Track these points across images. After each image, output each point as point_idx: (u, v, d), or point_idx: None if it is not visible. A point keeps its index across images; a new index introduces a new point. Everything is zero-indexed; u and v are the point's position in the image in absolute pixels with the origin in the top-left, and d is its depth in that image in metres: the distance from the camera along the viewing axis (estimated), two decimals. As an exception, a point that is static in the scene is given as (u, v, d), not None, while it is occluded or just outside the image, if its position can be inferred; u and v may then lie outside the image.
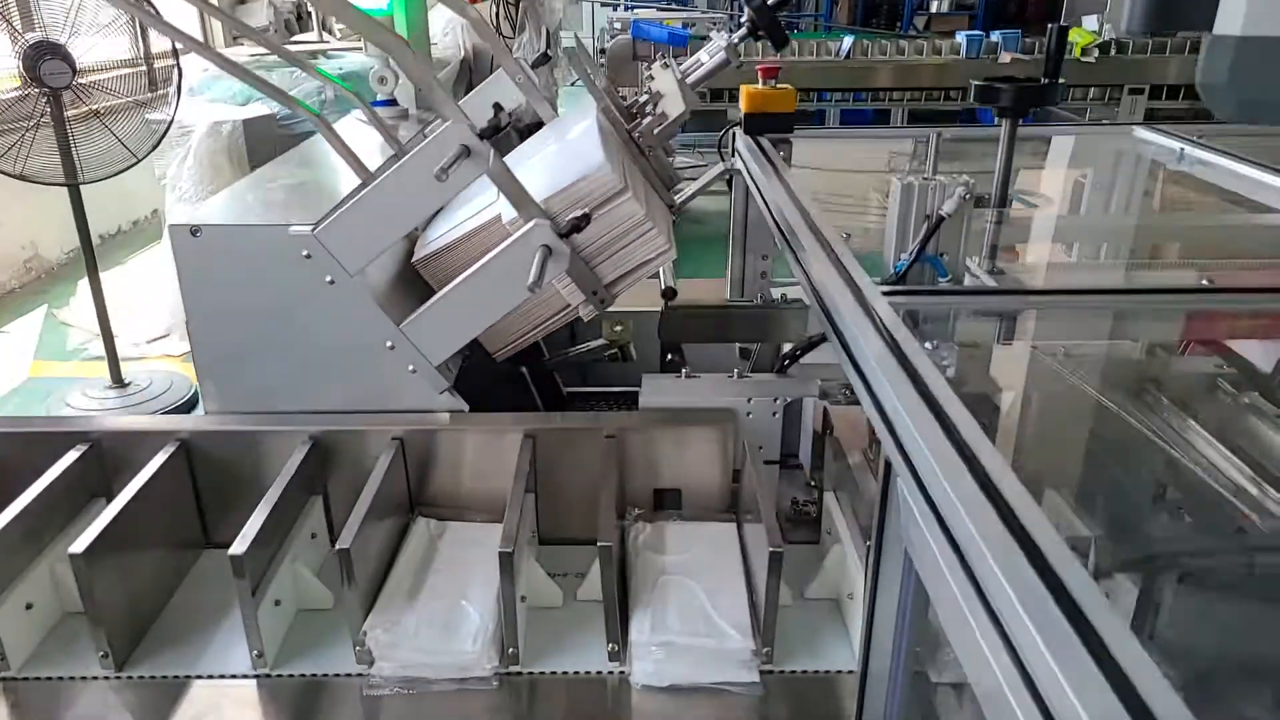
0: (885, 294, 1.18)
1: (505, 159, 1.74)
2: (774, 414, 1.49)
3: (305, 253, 1.31)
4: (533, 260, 1.29)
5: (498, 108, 1.24)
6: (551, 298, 1.50)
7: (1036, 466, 1.20)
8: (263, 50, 4.14)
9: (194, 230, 1.32)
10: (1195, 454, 1.23)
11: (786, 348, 1.97)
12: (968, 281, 1.51)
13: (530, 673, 1.25)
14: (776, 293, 2.13)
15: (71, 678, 1.23)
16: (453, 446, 1.45)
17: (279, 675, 1.24)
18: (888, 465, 0.99)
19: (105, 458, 1.41)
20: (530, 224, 1.33)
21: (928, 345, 1.17)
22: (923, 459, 0.82)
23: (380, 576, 1.32)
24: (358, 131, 1.88)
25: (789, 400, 1.50)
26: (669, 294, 1.72)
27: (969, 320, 1.30)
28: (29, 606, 1.26)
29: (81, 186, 3.28)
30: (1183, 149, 1.95)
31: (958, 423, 0.84)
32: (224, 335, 1.39)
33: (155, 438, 1.39)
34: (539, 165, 1.58)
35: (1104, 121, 4.65)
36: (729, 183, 2.21)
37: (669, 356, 1.82)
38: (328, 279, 1.33)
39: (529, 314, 1.50)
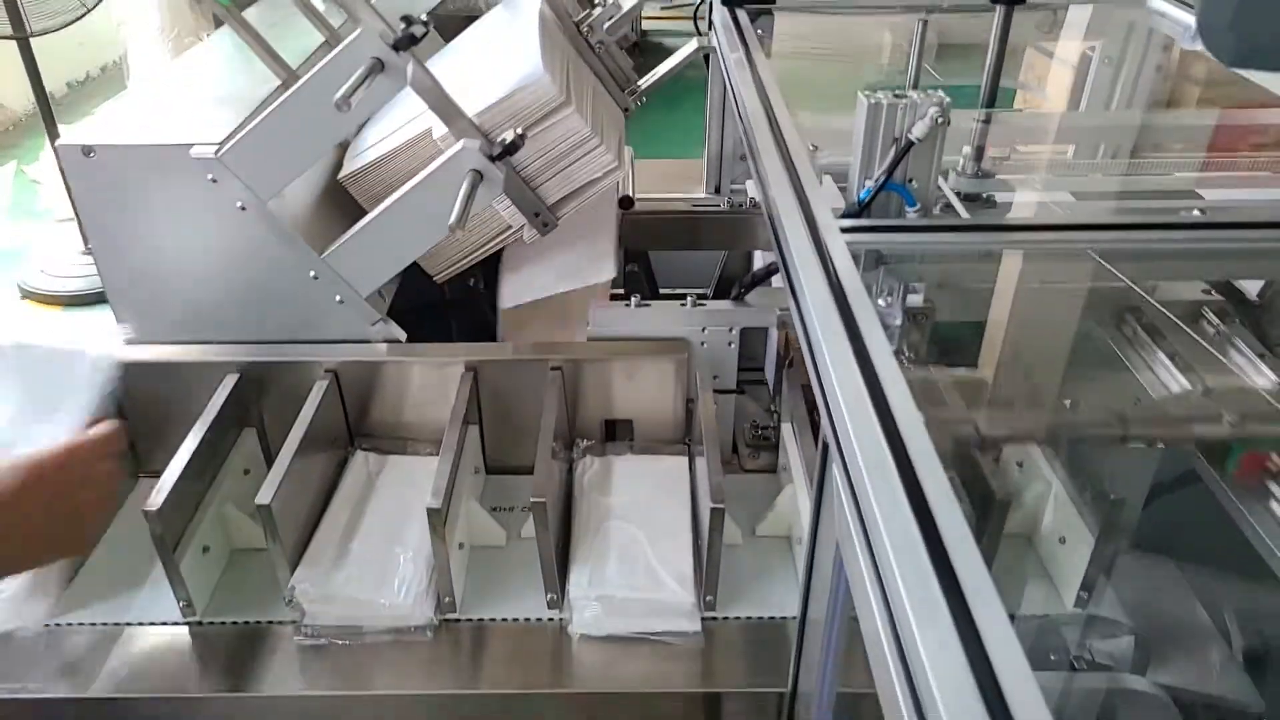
0: (844, 230, 1.06)
1: (440, 54, 1.58)
2: (729, 344, 1.40)
3: (211, 176, 1.19)
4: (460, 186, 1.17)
5: (408, 20, 1.08)
6: (492, 218, 1.38)
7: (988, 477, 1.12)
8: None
9: (86, 150, 1.19)
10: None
11: (759, 259, 1.86)
12: (942, 210, 1.40)
13: (469, 619, 1.21)
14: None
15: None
16: (392, 378, 1.37)
17: (210, 623, 1.21)
18: (824, 447, 0.91)
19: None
20: (458, 145, 1.20)
21: (881, 302, 1.08)
22: (854, 458, 0.74)
23: (313, 520, 1.26)
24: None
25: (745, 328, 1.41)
26: (625, 203, 1.60)
27: (935, 264, 1.19)
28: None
29: (34, 39, 3.09)
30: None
31: (898, 418, 0.75)
32: (132, 263, 1.28)
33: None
34: (473, 69, 1.43)
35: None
36: (706, 60, 2.02)
37: (630, 267, 1.71)
38: (238, 204, 1.21)
39: (469, 235, 1.39)
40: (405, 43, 1.11)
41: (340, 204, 1.40)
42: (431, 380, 1.37)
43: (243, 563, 1.29)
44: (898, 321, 1.03)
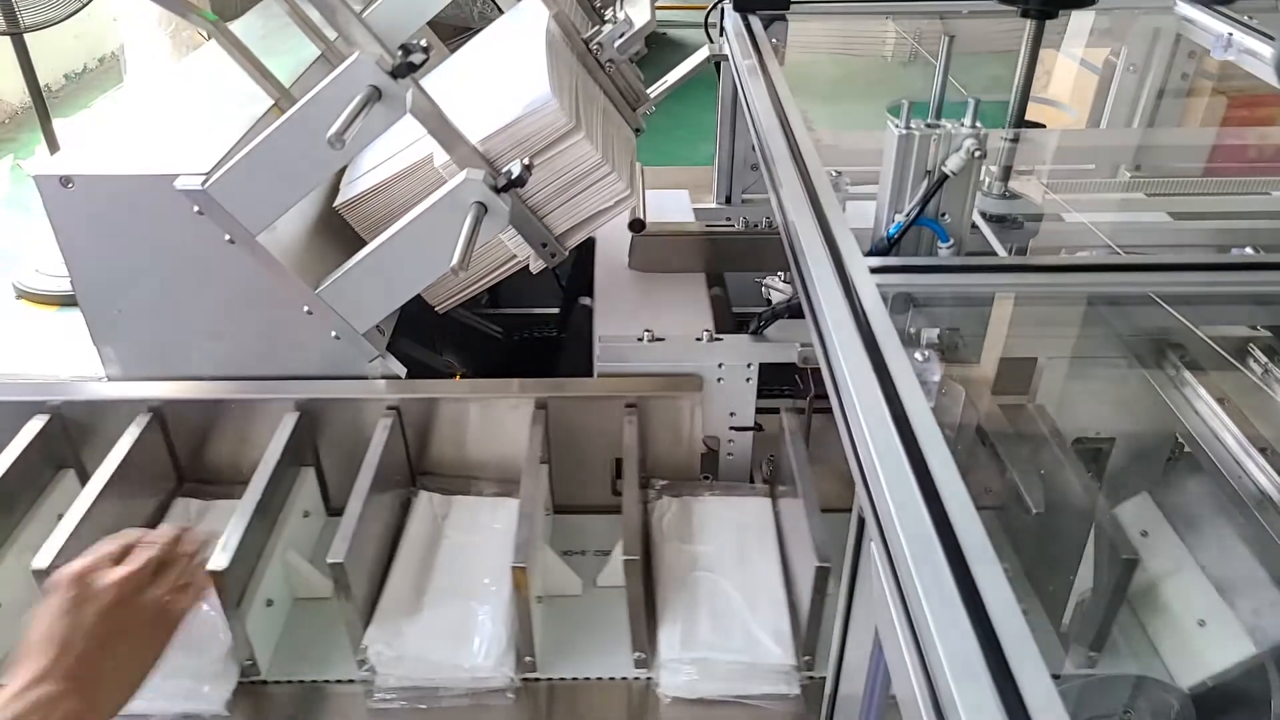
0: (873, 270, 0.99)
1: (438, 71, 1.51)
2: (747, 379, 1.33)
3: (197, 209, 1.12)
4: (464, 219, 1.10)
5: (406, 49, 1.01)
6: (496, 248, 1.31)
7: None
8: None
9: (64, 180, 1.12)
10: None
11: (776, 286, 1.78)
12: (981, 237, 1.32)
13: (549, 679, 1.14)
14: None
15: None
16: (456, 415, 1.31)
17: (276, 682, 1.14)
18: (860, 521, 0.85)
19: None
20: (460, 177, 1.12)
21: (919, 356, 1.00)
22: (895, 539, 0.67)
23: (381, 569, 1.20)
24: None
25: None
26: (636, 226, 1.52)
27: (972, 307, 1.11)
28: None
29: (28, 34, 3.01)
30: (1230, 34, 1.67)
31: (944, 494, 0.68)
32: (115, 297, 1.21)
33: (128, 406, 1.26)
34: (477, 91, 1.35)
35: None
36: (718, 68, 1.94)
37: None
38: (226, 238, 1.14)
39: (472, 266, 1.31)
40: (404, 70, 1.04)
41: (337, 232, 1.33)
42: (497, 417, 1.31)
43: (307, 614, 1.22)
44: (937, 378, 0.96)
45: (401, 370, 1.30)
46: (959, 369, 1.17)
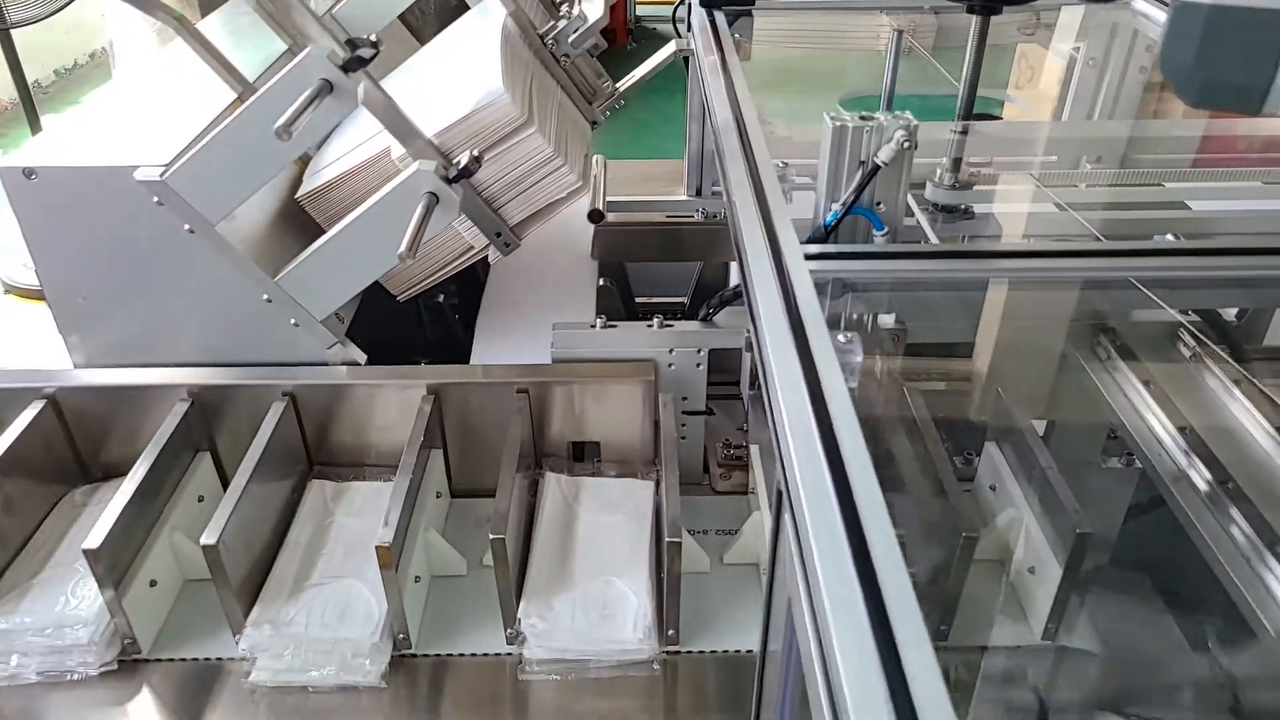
0: (808, 257, 1.03)
1: (403, 68, 1.54)
2: (698, 365, 1.37)
3: (156, 199, 1.16)
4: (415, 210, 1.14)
5: (353, 43, 1.05)
6: (454, 239, 1.35)
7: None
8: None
9: (27, 172, 1.16)
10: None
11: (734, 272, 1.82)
12: (917, 225, 1.36)
13: (427, 655, 1.18)
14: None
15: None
16: (352, 401, 1.34)
17: (157, 660, 1.17)
18: (779, 494, 0.89)
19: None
20: (413, 168, 1.16)
21: (842, 338, 1.04)
22: (802, 515, 0.71)
23: (269, 553, 1.23)
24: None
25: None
26: (596, 216, 1.56)
27: (902, 292, 1.15)
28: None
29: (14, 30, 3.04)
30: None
31: (851, 473, 0.71)
32: (79, 287, 1.25)
33: (22, 394, 1.29)
34: (436, 85, 1.39)
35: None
36: (686, 63, 1.98)
37: (602, 281, 1.67)
38: (186, 227, 1.18)
39: (430, 256, 1.36)
40: (354, 64, 1.07)
41: (300, 223, 1.36)
42: (393, 403, 1.33)
43: (198, 594, 1.25)
44: (858, 358, 0.99)
45: (361, 357, 1.34)
46: (893, 350, 1.21)
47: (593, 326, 1.34)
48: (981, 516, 1.27)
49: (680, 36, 2.00)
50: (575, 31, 1.38)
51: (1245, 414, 1.13)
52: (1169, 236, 1.18)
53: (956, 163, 1.53)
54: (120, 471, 1.24)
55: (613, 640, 1.15)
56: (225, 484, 1.36)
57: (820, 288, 1.12)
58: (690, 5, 1.88)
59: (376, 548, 1.09)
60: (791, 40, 2.09)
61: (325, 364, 1.32)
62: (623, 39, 6.56)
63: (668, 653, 1.18)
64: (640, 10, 6.99)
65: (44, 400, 1.29)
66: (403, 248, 1.05)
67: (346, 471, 1.38)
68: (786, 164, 1.44)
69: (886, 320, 1.19)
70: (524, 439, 1.30)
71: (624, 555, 1.24)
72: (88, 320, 1.28)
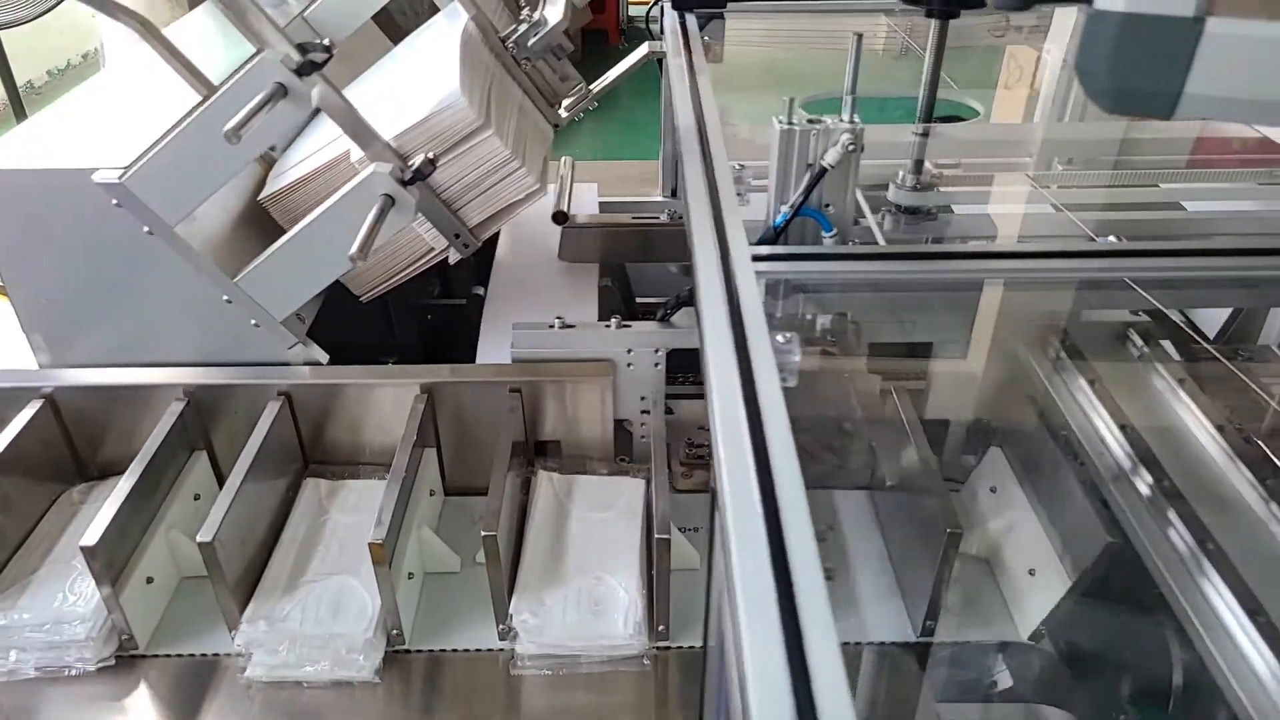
0: (756, 259, 1.05)
1: (370, 72, 1.56)
2: (656, 365, 1.39)
3: (115, 201, 1.18)
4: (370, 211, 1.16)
5: (304, 48, 1.06)
6: (415, 240, 1.37)
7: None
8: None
9: (-11, 175, 1.18)
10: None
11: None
12: (873, 227, 1.38)
13: (421, 651, 1.20)
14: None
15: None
16: (346, 401, 1.36)
17: (154, 656, 1.19)
18: (713, 493, 0.90)
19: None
20: (368, 170, 1.18)
21: (781, 338, 1.06)
22: (724, 500, 0.72)
23: (264, 551, 1.25)
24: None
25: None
26: (560, 218, 1.58)
27: (849, 293, 1.17)
28: None
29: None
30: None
31: (777, 476, 0.73)
32: (42, 288, 1.27)
33: (20, 393, 1.31)
34: (397, 88, 1.40)
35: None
36: (659, 65, 2.00)
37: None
38: (144, 229, 1.20)
39: (392, 257, 1.38)
40: (308, 68, 1.09)
41: (263, 225, 1.38)
42: (387, 402, 1.36)
43: (195, 591, 1.26)
44: (796, 358, 1.01)
45: (323, 357, 1.35)
46: (838, 351, 1.23)
47: (551, 327, 1.36)
48: (968, 518, 1.28)
49: (654, 38, 2.02)
50: (535, 35, 1.40)
51: (1187, 413, 1.15)
52: (1111, 239, 1.20)
53: (918, 164, 1.55)
54: (117, 470, 1.25)
55: (604, 636, 1.16)
56: (221, 482, 1.38)
57: (768, 288, 1.14)
58: (663, 7, 1.90)
59: (370, 544, 1.11)
60: (765, 42, 2.11)
61: (286, 364, 1.34)
62: (615, 39, 6.59)
63: (658, 648, 1.19)
64: (633, 10, 7.02)
65: (42, 400, 1.31)
66: (354, 249, 1.07)
67: (341, 470, 1.40)
68: (743, 166, 1.46)
69: (836, 321, 1.21)
70: (516, 437, 1.32)
71: (615, 552, 1.25)
72: (50, 320, 1.30)
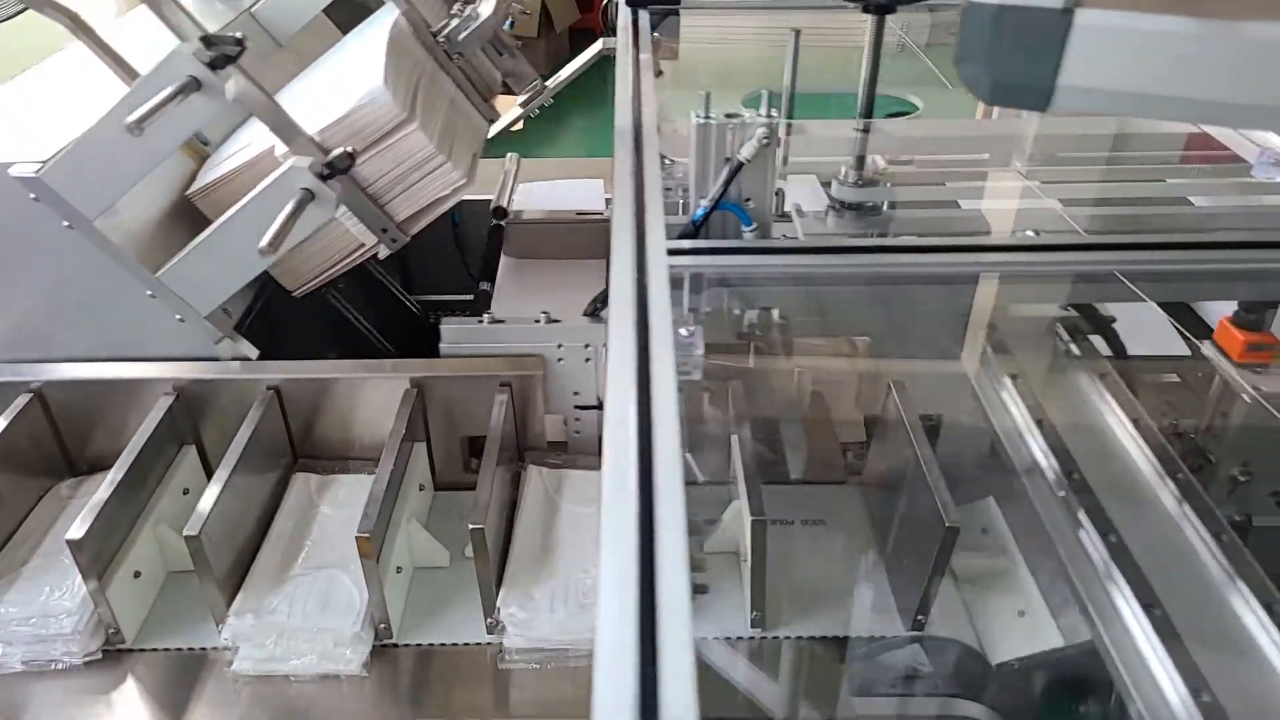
0: (671, 252, 1.05)
1: (310, 68, 1.56)
2: (587, 360, 1.38)
3: (33, 195, 1.17)
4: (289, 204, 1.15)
5: (207, 40, 1.06)
6: (344, 235, 1.36)
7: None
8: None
9: (-94, 168, 1.18)
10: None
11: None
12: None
13: (409, 645, 1.20)
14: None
15: None
16: (335, 396, 1.37)
17: (141, 650, 1.19)
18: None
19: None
20: (287, 164, 1.18)
21: (682, 333, 1.06)
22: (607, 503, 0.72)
23: (252, 544, 1.26)
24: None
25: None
26: (499, 213, 1.58)
27: (763, 287, 1.17)
28: None
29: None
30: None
31: (656, 458, 0.73)
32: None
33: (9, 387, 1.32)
34: (327, 82, 1.40)
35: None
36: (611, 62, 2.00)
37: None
38: (64, 223, 1.20)
39: (322, 252, 1.37)
40: (221, 61, 1.09)
41: (195, 220, 1.38)
42: (377, 397, 1.36)
43: (184, 586, 1.26)
44: (699, 351, 1.01)
45: (253, 352, 1.35)
46: (755, 344, 1.23)
47: (480, 322, 1.36)
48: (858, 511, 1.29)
49: (609, 35, 2.02)
50: (466, 30, 1.40)
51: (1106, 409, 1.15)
52: (1029, 233, 1.20)
53: (860, 160, 1.55)
54: (107, 465, 1.25)
55: (592, 630, 1.16)
56: (211, 477, 1.37)
57: (679, 282, 1.14)
58: (617, 5, 1.90)
59: (357, 538, 1.11)
60: (720, 39, 2.11)
61: (216, 359, 1.34)
62: (601, 34, 6.56)
63: None
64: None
65: (30, 394, 1.31)
66: (264, 243, 1.07)
67: (331, 465, 1.41)
68: (674, 161, 1.46)
69: (753, 315, 1.21)
70: (505, 432, 1.32)
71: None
72: (-26, 314, 1.30)
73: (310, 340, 1.53)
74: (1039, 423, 1.13)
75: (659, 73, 1.89)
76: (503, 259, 1.72)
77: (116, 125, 1.14)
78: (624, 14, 1.87)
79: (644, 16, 1.87)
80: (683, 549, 0.64)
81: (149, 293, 1.26)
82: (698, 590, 1.23)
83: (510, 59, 1.83)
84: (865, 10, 1.52)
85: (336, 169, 1.16)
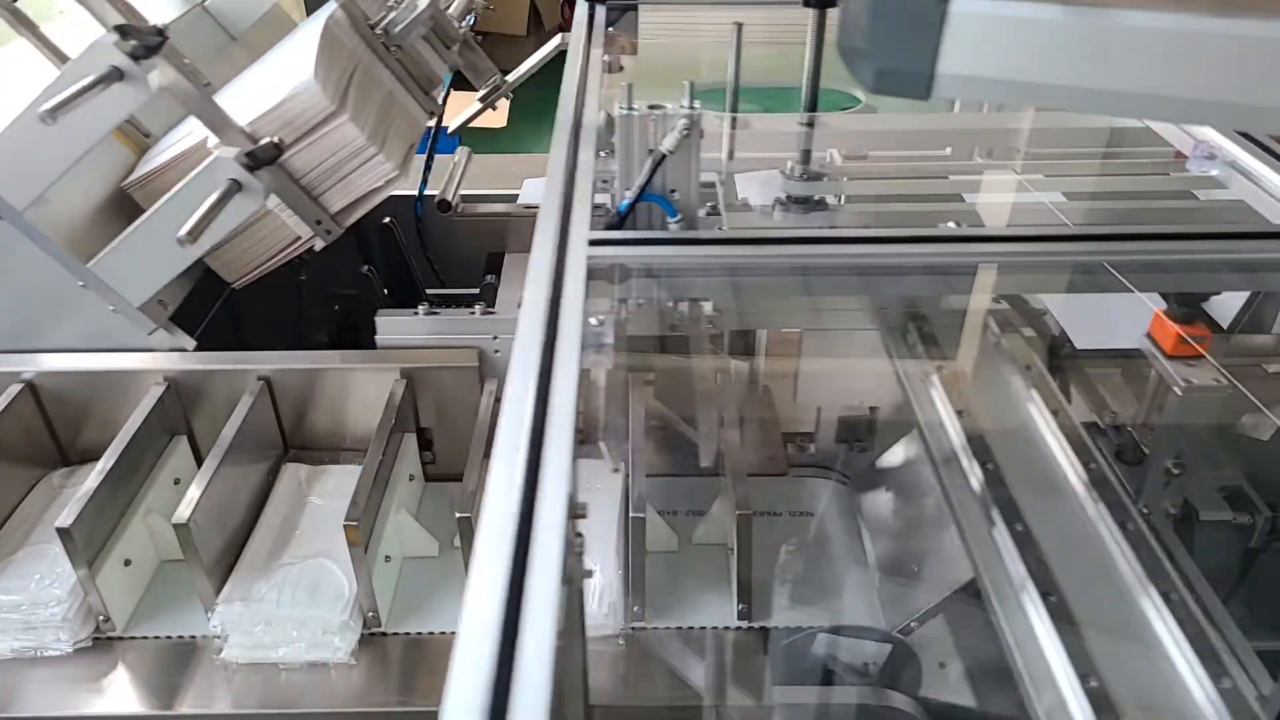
0: (593, 243, 1.05)
1: (261, 59, 1.57)
2: (524, 352, 1.39)
3: (-39, 186, 1.18)
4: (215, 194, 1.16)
5: (123, 30, 1.07)
6: (280, 227, 1.37)
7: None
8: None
9: None
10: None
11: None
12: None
13: (397, 633, 1.21)
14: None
15: None
16: (326, 386, 1.37)
17: (131, 638, 1.20)
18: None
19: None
20: (214, 155, 1.18)
21: (593, 322, 1.06)
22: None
23: (242, 535, 1.26)
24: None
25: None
26: (443, 207, 1.58)
27: (683, 278, 1.17)
28: None
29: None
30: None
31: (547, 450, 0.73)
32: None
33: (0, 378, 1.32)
34: (268, 75, 1.41)
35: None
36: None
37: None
38: (-6, 214, 1.20)
39: (259, 244, 1.38)
40: (142, 52, 1.09)
41: (132, 212, 1.38)
42: (368, 388, 1.36)
43: (174, 575, 1.27)
44: (609, 340, 1.02)
45: (190, 343, 1.36)
46: (677, 334, 1.23)
47: (415, 313, 1.36)
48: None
49: (565, 33, 2.02)
50: (403, 21, 1.40)
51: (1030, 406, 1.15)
52: (951, 225, 1.20)
53: (806, 154, 1.55)
54: (98, 455, 1.26)
55: None
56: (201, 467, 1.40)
57: (602, 272, 1.15)
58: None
59: (344, 526, 1.11)
60: (679, 34, 2.11)
61: (151, 350, 1.34)
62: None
63: (634, 628, 1.20)
64: (609, 8, 7.02)
65: (22, 384, 1.32)
66: (182, 232, 1.07)
67: (322, 455, 1.41)
68: (604, 154, 1.46)
69: (677, 306, 1.21)
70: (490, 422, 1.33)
71: (592, 534, 1.25)
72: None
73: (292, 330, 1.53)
74: (959, 413, 1.13)
75: (620, 68, 1.90)
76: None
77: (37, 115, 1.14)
78: (581, 9, 1.87)
79: (600, 12, 1.88)
80: (559, 538, 0.64)
81: (80, 283, 1.27)
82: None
83: (469, 52, 1.84)
84: (806, 5, 1.52)
85: (261, 160, 1.17)
